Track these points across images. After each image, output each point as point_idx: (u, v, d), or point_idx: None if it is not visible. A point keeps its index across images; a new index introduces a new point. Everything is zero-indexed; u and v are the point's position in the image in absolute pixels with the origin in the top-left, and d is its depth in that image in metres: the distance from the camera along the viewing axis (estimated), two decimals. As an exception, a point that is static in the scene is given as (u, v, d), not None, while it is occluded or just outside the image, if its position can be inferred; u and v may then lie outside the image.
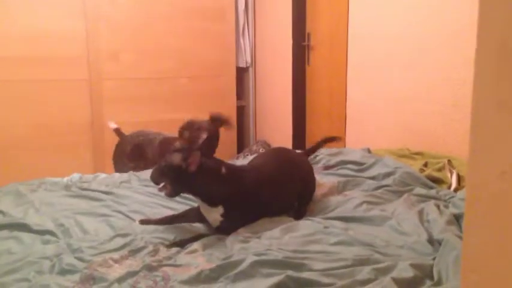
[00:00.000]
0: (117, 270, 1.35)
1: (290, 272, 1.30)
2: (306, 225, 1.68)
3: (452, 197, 1.86)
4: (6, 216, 1.82)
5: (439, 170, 2.16)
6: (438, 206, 1.76)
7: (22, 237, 1.63)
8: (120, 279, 1.31)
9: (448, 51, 2.27)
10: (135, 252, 1.49)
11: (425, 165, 2.25)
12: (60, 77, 3.81)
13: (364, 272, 1.31)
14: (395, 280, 1.26)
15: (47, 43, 3.73)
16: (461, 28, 2.17)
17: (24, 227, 1.70)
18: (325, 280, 1.28)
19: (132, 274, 1.33)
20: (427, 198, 1.88)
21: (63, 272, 1.37)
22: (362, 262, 1.38)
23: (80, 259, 1.43)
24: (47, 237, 1.63)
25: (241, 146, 4.61)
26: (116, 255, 1.44)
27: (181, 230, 1.69)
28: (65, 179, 2.32)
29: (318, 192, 2.04)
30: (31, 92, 3.75)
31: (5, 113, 3.69)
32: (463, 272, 0.55)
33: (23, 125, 3.75)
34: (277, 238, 1.58)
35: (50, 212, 1.84)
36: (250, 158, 2.65)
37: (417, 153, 2.41)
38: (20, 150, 3.74)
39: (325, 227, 1.63)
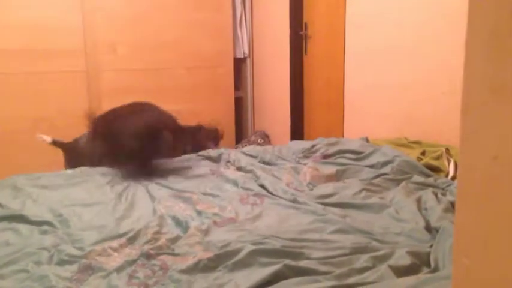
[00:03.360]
0: (116, 260, 1.36)
1: (288, 261, 1.31)
2: (304, 214, 1.68)
3: (450, 185, 1.86)
4: (4, 208, 1.82)
5: (437, 158, 2.16)
6: (436, 194, 1.76)
7: (20, 229, 1.63)
8: (119, 269, 1.31)
9: (447, 39, 2.26)
10: (133, 240, 1.49)
11: (423, 153, 2.25)
12: (58, 68, 3.79)
13: (362, 260, 1.32)
14: (393, 268, 1.27)
15: (44, 35, 3.71)
16: (460, 15, 2.16)
17: (21, 219, 1.70)
18: (323, 268, 1.29)
19: (130, 263, 1.34)
20: (424, 186, 1.89)
21: (62, 263, 1.37)
22: (360, 250, 1.39)
23: (79, 249, 1.43)
24: (45, 227, 1.63)
25: (240, 136, 4.61)
26: (114, 244, 1.45)
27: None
28: (66, 171, 2.32)
29: (317, 179, 2.04)
30: (29, 85, 3.73)
31: (2, 106, 3.68)
32: (455, 257, 0.55)
33: (21, 117, 3.73)
34: (274, 227, 1.59)
35: (48, 203, 1.84)
36: (248, 148, 2.66)
37: (415, 142, 2.41)
38: (18, 143, 3.73)
39: (323, 215, 1.64)
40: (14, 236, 1.58)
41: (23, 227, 1.64)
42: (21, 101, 3.72)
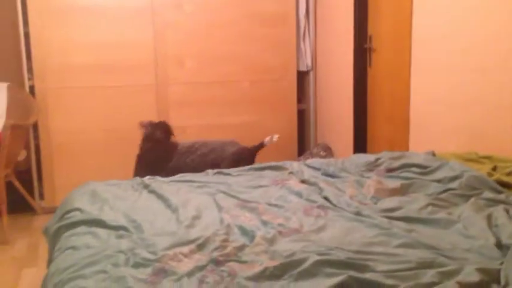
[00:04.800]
0: (187, 265, 1.43)
1: (352, 272, 1.32)
2: (368, 227, 1.69)
3: (523, 201, 1.80)
4: (83, 213, 1.95)
5: (509, 174, 2.09)
6: (507, 211, 1.71)
7: (98, 233, 1.74)
8: (190, 273, 1.38)
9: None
10: (202, 246, 1.56)
11: (494, 169, 2.18)
12: (130, 82, 4.01)
13: (428, 275, 1.31)
14: (461, 284, 1.25)
15: (117, 51, 3.94)
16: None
17: (100, 223, 1.82)
18: (388, 282, 1.29)
19: (200, 268, 1.40)
20: (495, 202, 1.83)
21: (137, 265, 1.46)
22: (426, 265, 1.38)
23: (152, 253, 1.52)
24: (121, 232, 1.73)
25: (302, 149, 4.64)
26: (185, 250, 1.52)
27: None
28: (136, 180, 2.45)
29: (381, 192, 2.04)
30: (102, 98, 3.97)
31: (78, 118, 3.93)
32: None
33: (95, 129, 3.97)
34: (339, 238, 1.60)
35: (123, 209, 1.96)
36: (311, 160, 2.68)
37: (485, 157, 2.34)
38: (92, 154, 3.96)
39: (388, 229, 1.63)
40: (93, 239, 1.69)
41: (101, 231, 1.75)
42: (95, 113, 3.96)
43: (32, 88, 3.83)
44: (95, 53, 3.91)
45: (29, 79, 3.83)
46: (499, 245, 1.48)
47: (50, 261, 1.88)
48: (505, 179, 2.05)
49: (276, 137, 3.13)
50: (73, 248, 1.63)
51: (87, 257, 1.52)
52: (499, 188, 1.99)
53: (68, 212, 1.96)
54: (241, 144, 3.21)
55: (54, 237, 1.87)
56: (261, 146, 3.18)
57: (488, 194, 1.91)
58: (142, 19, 3.95)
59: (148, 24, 3.97)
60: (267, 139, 3.14)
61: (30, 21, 3.74)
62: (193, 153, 3.13)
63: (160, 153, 3.17)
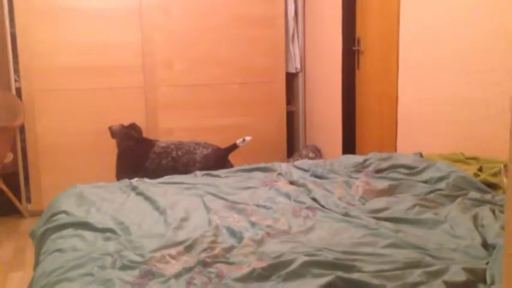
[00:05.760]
0: (174, 266, 1.42)
1: (340, 273, 1.32)
2: (356, 227, 1.69)
3: (509, 201, 1.81)
4: (70, 215, 1.93)
5: (495, 175, 2.11)
6: (493, 211, 1.73)
7: (85, 235, 1.73)
8: (177, 275, 1.37)
9: (505, 53, 2.22)
10: (190, 248, 1.56)
11: (480, 170, 2.20)
12: (118, 85, 3.99)
13: (415, 275, 1.32)
14: (447, 283, 1.26)
15: (105, 53, 3.93)
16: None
17: (86, 226, 1.80)
18: (376, 282, 1.29)
19: (187, 270, 1.40)
20: (481, 202, 1.85)
21: (124, 268, 1.45)
22: (413, 265, 1.39)
23: (140, 255, 1.51)
24: (108, 234, 1.72)
25: (291, 150, 4.65)
26: (173, 252, 1.52)
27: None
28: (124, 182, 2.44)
29: (369, 193, 2.05)
30: (91, 100, 3.94)
31: (65, 121, 3.90)
32: (506, 270, 0.56)
33: (82, 132, 3.94)
34: (327, 239, 1.61)
35: (110, 211, 1.95)
36: (300, 162, 2.69)
37: (472, 158, 2.36)
38: (79, 157, 3.94)
39: (375, 229, 1.64)
40: (80, 242, 1.68)
41: (87, 234, 1.74)
42: (82, 115, 3.94)
43: (18, 90, 3.79)
44: (83, 54, 3.88)
45: (16, 81, 3.79)
46: (485, 245, 1.49)
47: (36, 264, 1.86)
48: (491, 179, 2.07)
49: (248, 138, 3.15)
50: (59, 250, 1.62)
51: (73, 259, 1.51)
52: (485, 188, 2.01)
53: (55, 214, 1.94)
54: (215, 146, 3.23)
55: (40, 240, 1.85)
56: (234, 147, 3.20)
57: (474, 195, 1.93)
58: (130, 21, 3.94)
59: (137, 26, 3.95)
60: (239, 140, 3.16)
61: (16, 21, 3.71)
62: (169, 154, 3.16)
63: (139, 152, 3.22)
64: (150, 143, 3.30)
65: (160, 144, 3.26)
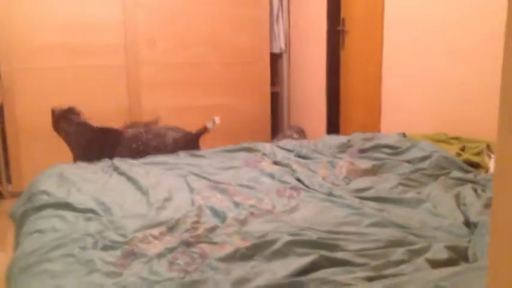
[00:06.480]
0: (157, 247, 1.40)
1: (324, 252, 1.32)
2: (339, 207, 1.69)
3: (490, 181, 1.83)
4: (50, 196, 1.89)
5: (477, 154, 2.13)
6: (475, 190, 1.74)
7: (66, 216, 1.70)
8: (160, 255, 1.36)
9: (489, 35, 2.21)
10: (173, 228, 1.54)
11: (463, 149, 2.22)
12: (99, 63, 3.91)
13: (398, 253, 1.32)
14: (429, 261, 1.26)
15: (86, 31, 3.83)
16: (504, 12, 2.11)
17: (67, 206, 1.77)
18: (359, 260, 1.30)
19: (170, 250, 1.38)
20: (464, 181, 1.86)
21: (106, 248, 1.43)
22: (396, 243, 1.39)
23: (122, 235, 1.49)
24: (89, 215, 1.69)
25: (275, 131, 4.64)
26: (155, 232, 1.50)
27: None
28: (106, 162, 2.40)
29: (353, 173, 2.05)
30: (70, 79, 3.86)
31: (45, 100, 3.80)
32: (491, 250, 0.55)
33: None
34: (311, 219, 1.60)
35: (92, 191, 1.92)
36: (284, 142, 2.68)
37: (454, 138, 2.38)
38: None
39: (359, 208, 1.64)
40: (61, 222, 1.65)
41: (68, 214, 1.70)
42: (63, 94, 3.85)
43: (-4, 69, 3.69)
44: (63, 33, 3.78)
45: (-6, 60, 3.69)
46: (467, 223, 1.50)
47: (16, 245, 1.83)
48: (473, 158, 2.08)
49: (217, 119, 3.10)
50: (39, 231, 1.58)
51: (54, 240, 1.48)
52: (467, 167, 2.02)
53: (34, 194, 1.91)
54: (185, 130, 3.19)
55: (20, 221, 1.82)
56: (204, 130, 3.15)
57: (456, 174, 1.94)
58: (111, -1, 3.84)
59: (118, 3, 3.86)
60: (209, 123, 3.11)
61: (-7, -1, 3.60)
62: (139, 138, 3.11)
63: (107, 142, 3.07)
64: (116, 132, 3.17)
65: (130, 131, 3.20)
